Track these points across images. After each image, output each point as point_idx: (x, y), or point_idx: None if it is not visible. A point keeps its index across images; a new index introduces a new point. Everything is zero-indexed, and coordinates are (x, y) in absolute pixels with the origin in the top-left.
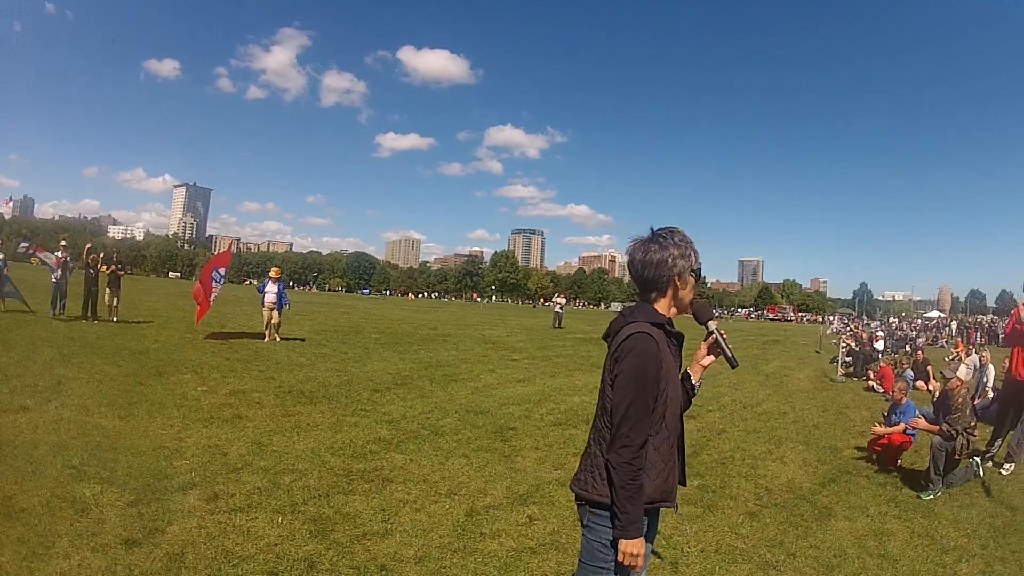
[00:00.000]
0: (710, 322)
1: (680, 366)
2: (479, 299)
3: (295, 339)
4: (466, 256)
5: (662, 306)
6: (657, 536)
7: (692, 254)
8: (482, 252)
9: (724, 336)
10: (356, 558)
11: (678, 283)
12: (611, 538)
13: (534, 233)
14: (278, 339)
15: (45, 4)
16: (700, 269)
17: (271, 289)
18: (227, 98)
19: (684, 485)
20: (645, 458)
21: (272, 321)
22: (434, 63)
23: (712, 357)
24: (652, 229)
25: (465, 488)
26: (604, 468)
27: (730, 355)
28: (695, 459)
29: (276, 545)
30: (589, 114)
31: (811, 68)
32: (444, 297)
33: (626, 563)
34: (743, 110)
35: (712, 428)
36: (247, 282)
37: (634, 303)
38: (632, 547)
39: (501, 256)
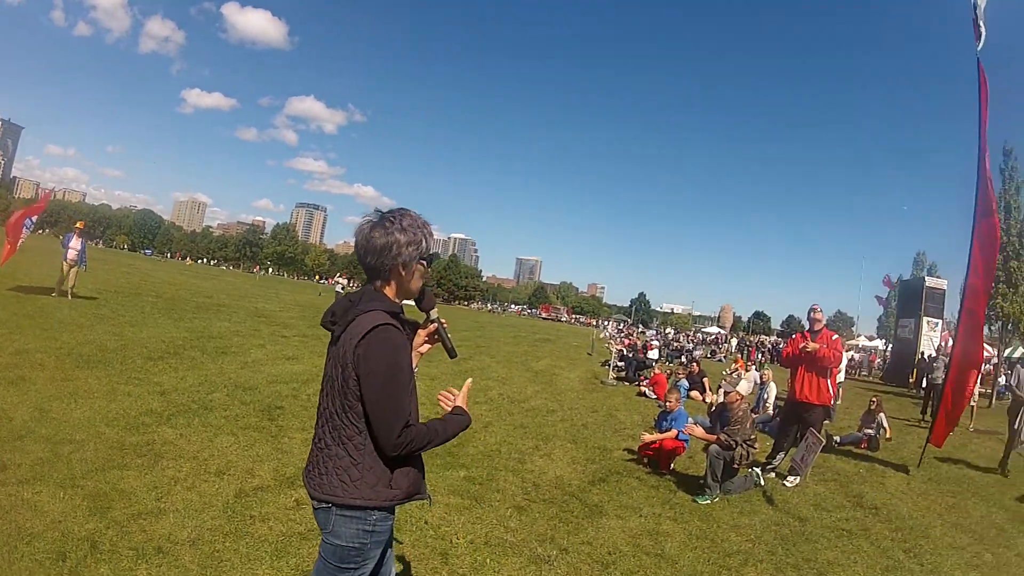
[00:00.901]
0: (432, 311)
1: None
2: (259, 270)
3: (85, 298)
4: (248, 224)
5: (390, 293)
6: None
7: (424, 239)
8: (264, 222)
9: (445, 325)
10: (134, 538)
11: (403, 272)
12: (361, 540)
13: (317, 208)
14: (69, 297)
15: None
16: (433, 256)
17: (74, 245)
18: (57, 32)
19: None
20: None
21: (69, 277)
22: (254, 23)
23: (429, 345)
24: (378, 210)
25: (234, 468)
26: (355, 469)
27: (449, 345)
28: (461, 450)
29: (61, 522)
30: (392, 98)
31: (605, 72)
32: (222, 265)
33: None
34: (530, 113)
35: (478, 421)
36: (39, 231)
37: (361, 288)
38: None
39: (282, 229)
